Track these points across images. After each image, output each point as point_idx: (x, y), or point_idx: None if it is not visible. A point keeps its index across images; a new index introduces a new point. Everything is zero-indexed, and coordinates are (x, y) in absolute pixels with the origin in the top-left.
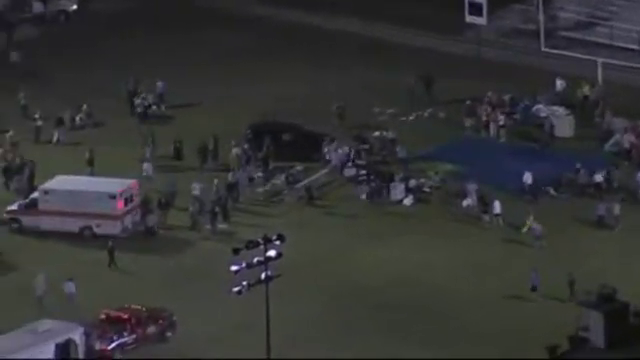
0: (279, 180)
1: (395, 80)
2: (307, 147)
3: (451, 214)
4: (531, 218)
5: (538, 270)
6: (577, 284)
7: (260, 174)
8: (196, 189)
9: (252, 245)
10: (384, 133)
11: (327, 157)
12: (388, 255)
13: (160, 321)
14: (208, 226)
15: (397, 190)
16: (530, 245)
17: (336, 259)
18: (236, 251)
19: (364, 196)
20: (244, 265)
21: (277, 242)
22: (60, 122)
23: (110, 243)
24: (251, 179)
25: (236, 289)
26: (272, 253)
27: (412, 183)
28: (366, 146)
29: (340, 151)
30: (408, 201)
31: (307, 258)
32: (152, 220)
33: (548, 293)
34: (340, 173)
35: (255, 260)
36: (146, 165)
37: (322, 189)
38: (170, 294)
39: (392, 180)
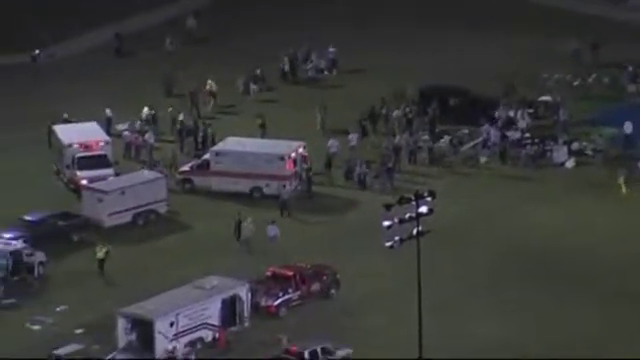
0: (444, 143)
1: (562, 46)
2: (473, 111)
3: (613, 177)
4: (622, 179)
5: None
6: None
7: (426, 137)
8: (350, 142)
9: (404, 201)
10: (549, 97)
11: (488, 124)
12: (547, 216)
13: (324, 278)
14: (376, 186)
15: (560, 153)
16: None
17: (495, 219)
18: (388, 207)
19: (484, 159)
20: (396, 221)
21: (428, 198)
22: (256, 79)
23: (237, 217)
24: (416, 141)
25: (388, 244)
26: (424, 209)
27: (575, 146)
28: (531, 110)
29: (503, 116)
30: (570, 164)
31: (467, 218)
32: (286, 193)
33: None
34: (500, 140)
35: (407, 216)
36: (331, 142)
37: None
38: (334, 251)
39: (555, 143)
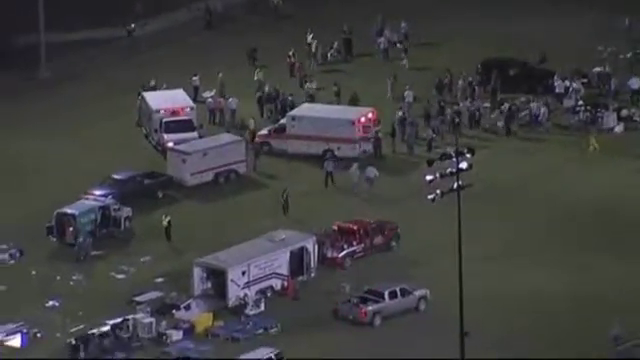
0: (504, 110)
1: (619, 21)
2: (532, 81)
3: None
4: (593, 139)
5: None
6: None
7: (487, 104)
8: (406, 98)
9: (445, 157)
10: (602, 68)
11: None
12: (595, 178)
13: (386, 232)
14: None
15: (609, 119)
16: None
17: (546, 181)
18: (430, 163)
19: (501, 124)
20: (438, 175)
21: (468, 155)
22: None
23: (286, 191)
24: (477, 108)
25: (430, 196)
26: (464, 165)
27: (624, 113)
28: (585, 80)
29: (559, 85)
30: (619, 129)
31: (521, 179)
32: (330, 165)
33: None
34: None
35: (447, 171)
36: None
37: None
38: (397, 208)
39: (606, 110)
